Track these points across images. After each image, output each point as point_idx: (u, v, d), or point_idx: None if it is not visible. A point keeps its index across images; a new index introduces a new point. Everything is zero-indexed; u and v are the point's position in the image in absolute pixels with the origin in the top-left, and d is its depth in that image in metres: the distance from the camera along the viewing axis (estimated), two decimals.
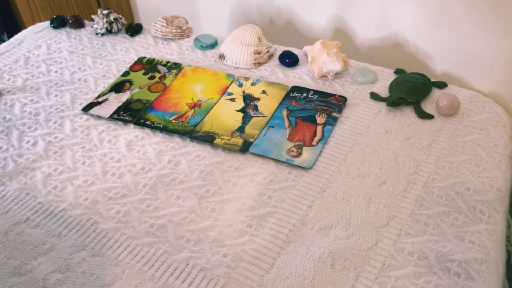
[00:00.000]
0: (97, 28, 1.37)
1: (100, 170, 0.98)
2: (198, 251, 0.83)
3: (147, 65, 1.27)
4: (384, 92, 1.15)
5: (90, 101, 1.16)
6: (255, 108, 1.12)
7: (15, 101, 1.16)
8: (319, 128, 1.06)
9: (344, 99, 1.13)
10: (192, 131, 1.06)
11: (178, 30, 1.36)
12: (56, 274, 0.80)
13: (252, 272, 0.80)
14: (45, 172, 0.98)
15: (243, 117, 1.10)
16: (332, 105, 1.12)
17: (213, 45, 1.33)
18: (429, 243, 0.82)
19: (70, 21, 1.42)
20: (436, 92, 1.14)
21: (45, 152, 1.02)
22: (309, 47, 1.25)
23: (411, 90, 1.11)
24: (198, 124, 1.08)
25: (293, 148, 1.01)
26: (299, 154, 1.00)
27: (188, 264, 0.81)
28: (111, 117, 1.10)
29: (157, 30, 1.37)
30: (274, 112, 1.11)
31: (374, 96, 1.13)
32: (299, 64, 1.25)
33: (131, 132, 1.07)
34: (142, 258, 0.82)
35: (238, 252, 0.83)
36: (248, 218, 0.88)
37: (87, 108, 1.13)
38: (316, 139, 1.03)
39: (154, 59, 1.29)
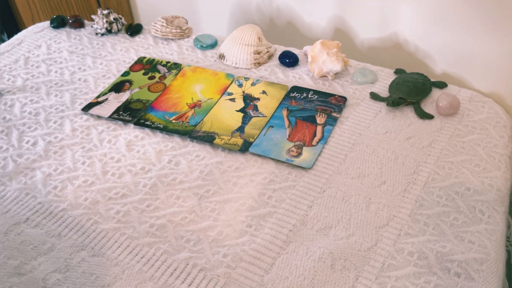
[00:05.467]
0: (97, 28, 1.37)
1: (100, 170, 0.98)
2: (198, 251, 0.83)
3: (147, 65, 1.27)
4: (384, 92, 1.15)
5: (90, 101, 1.16)
6: (255, 108, 1.12)
7: (15, 101, 1.16)
8: (319, 128, 1.06)
9: (344, 99, 1.13)
10: (192, 131, 1.06)
11: (178, 30, 1.36)
12: (56, 274, 0.80)
13: (252, 272, 0.80)
14: (45, 172, 0.98)
15: (243, 117, 1.10)
16: (332, 105, 1.12)
17: (213, 45, 1.33)
18: (429, 243, 0.82)
19: (70, 21, 1.42)
20: (436, 92, 1.14)
21: (45, 152, 1.02)
22: (309, 47, 1.25)
23: (411, 90, 1.11)
24: (198, 124, 1.08)
25: (293, 148, 1.01)
26: (299, 154, 1.00)
27: (188, 264, 0.81)
28: (111, 117, 1.10)
29: (157, 30, 1.37)
30: (274, 112, 1.11)
31: (374, 96, 1.13)
32: (299, 64, 1.25)
33: (131, 132, 1.07)
34: (142, 258, 0.82)
35: (238, 252, 0.83)
36: (248, 218, 0.88)
37: (87, 108, 1.13)
38: (316, 139, 1.03)
39: (154, 59, 1.29)
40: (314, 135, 1.04)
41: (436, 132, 1.04)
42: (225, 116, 1.10)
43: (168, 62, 1.28)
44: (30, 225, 0.88)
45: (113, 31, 1.39)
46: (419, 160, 0.98)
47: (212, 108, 1.13)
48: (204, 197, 0.92)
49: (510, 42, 1.11)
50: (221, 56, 1.29)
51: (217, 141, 1.03)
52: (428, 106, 1.11)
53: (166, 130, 1.07)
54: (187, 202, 0.92)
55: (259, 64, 1.26)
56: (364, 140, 1.03)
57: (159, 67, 1.26)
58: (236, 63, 1.26)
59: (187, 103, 1.15)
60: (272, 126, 1.07)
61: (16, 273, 0.80)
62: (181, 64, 1.27)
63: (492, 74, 1.17)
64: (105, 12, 1.37)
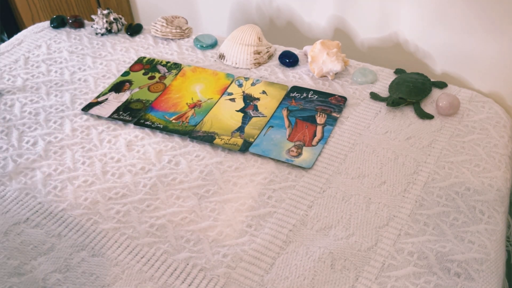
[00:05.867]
0: (97, 28, 1.37)
1: (100, 170, 0.98)
2: (198, 251, 0.83)
3: (147, 65, 1.27)
4: (384, 92, 1.15)
5: (90, 101, 1.16)
6: (255, 108, 1.12)
7: (15, 101, 1.16)
8: (319, 128, 1.06)
9: (344, 99, 1.13)
10: (192, 131, 1.06)
11: (178, 30, 1.36)
12: (56, 274, 0.80)
13: (252, 272, 0.80)
14: (45, 172, 0.98)
15: (243, 117, 1.10)
16: (332, 105, 1.12)
17: (213, 45, 1.33)
18: (429, 243, 0.82)
19: (70, 21, 1.42)
20: (436, 92, 1.14)
21: (45, 152, 1.02)
22: (309, 47, 1.25)
23: (411, 90, 1.11)
24: (198, 124, 1.08)
25: (293, 148, 1.01)
26: (299, 154, 1.00)
27: (188, 264, 0.81)
28: (111, 117, 1.10)
29: (157, 30, 1.37)
30: (274, 112, 1.11)
31: (374, 96, 1.13)
32: (299, 64, 1.25)
33: (131, 132, 1.07)
34: (142, 258, 0.82)
35: (238, 252, 0.83)
36: (248, 218, 0.88)
37: (87, 108, 1.13)
38: (316, 139, 1.03)
39: (154, 59, 1.29)
40: (314, 135, 1.04)
41: (436, 132, 1.04)
42: (225, 116, 1.10)
43: (168, 62, 1.28)
44: (30, 225, 0.88)
45: (113, 31, 1.39)
46: (419, 160, 0.98)
47: (212, 108, 1.13)
48: (204, 197, 0.92)
49: (510, 42, 1.11)
50: (221, 56, 1.29)
51: (217, 141, 1.03)
52: (428, 106, 1.11)
53: (166, 130, 1.07)
54: (187, 202, 0.92)
55: (259, 64, 1.26)
56: (364, 140, 1.03)
57: (159, 67, 1.26)
58: (236, 63, 1.26)
59: (187, 103, 1.15)
60: (272, 126, 1.07)
61: (16, 273, 0.80)
62: (181, 64, 1.27)
63: (492, 74, 1.17)
64: (105, 12, 1.37)
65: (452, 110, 1.07)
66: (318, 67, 1.18)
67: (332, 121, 1.08)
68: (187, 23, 1.41)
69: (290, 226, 0.86)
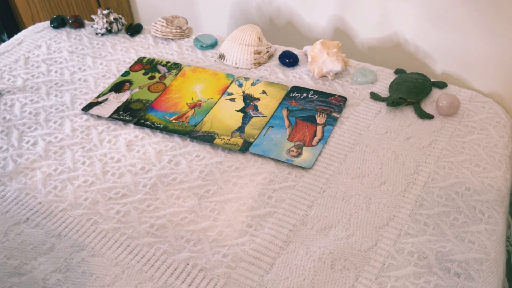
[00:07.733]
0: (97, 28, 1.37)
1: (100, 170, 0.98)
2: (198, 251, 0.83)
3: (147, 65, 1.27)
4: (384, 92, 1.15)
5: (90, 101, 1.16)
6: (255, 108, 1.12)
7: (15, 101, 1.16)
8: (319, 128, 1.06)
9: (344, 99, 1.13)
10: (192, 131, 1.06)
11: (178, 30, 1.36)
12: (56, 274, 0.80)
13: (252, 272, 0.80)
14: (45, 172, 0.98)
15: (243, 117, 1.10)
16: (332, 105, 1.12)
17: (213, 45, 1.33)
18: (429, 243, 0.82)
19: (70, 21, 1.42)
20: (436, 92, 1.14)
21: (45, 152, 1.02)
22: (309, 47, 1.25)
23: (411, 90, 1.11)
24: (198, 124, 1.08)
25: (293, 148, 1.01)
26: (299, 154, 1.00)
27: (188, 264, 0.81)
28: (111, 117, 1.10)
29: (157, 30, 1.37)
30: (274, 112, 1.11)
31: (374, 96, 1.13)
32: (299, 64, 1.25)
33: (131, 132, 1.07)
34: (142, 258, 0.82)
35: (238, 252, 0.83)
36: (248, 218, 0.88)
37: (87, 108, 1.13)
38: (316, 139, 1.03)
39: (154, 59, 1.29)
40: (314, 135, 1.04)
41: (436, 132, 1.04)
42: (225, 116, 1.10)
43: (168, 62, 1.28)
44: (30, 225, 0.88)
45: (113, 31, 1.39)
46: (419, 160, 0.98)
47: (212, 108, 1.13)
48: (204, 197, 0.92)
49: (510, 42, 1.11)
50: (221, 56, 1.29)
51: (217, 141, 1.03)
52: (428, 106, 1.11)
53: (166, 130, 1.07)
54: (187, 202, 0.92)
55: (259, 64, 1.26)
56: (364, 140, 1.03)
57: (159, 67, 1.26)
58: (236, 63, 1.26)
59: (187, 103, 1.15)
60: (272, 126, 1.07)
61: (16, 273, 0.80)
62: (181, 64, 1.27)
63: (492, 74, 1.17)
64: (105, 12, 1.37)
65: (452, 110, 1.07)
66: (318, 67, 1.18)
67: (332, 121, 1.08)
68: (187, 23, 1.41)
69: (290, 226, 0.86)
